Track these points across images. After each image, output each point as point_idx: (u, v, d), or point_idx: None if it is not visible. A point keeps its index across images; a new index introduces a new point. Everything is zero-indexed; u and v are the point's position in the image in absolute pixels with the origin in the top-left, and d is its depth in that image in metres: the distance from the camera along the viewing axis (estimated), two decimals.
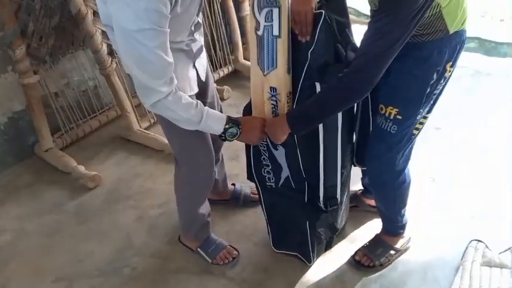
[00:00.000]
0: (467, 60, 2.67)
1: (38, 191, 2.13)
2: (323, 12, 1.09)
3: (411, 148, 1.36)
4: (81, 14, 1.96)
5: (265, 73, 1.20)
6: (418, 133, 1.29)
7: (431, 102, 1.22)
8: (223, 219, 1.84)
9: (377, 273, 1.54)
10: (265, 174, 1.43)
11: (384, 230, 1.58)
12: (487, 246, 1.53)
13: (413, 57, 1.12)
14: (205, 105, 1.22)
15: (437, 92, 1.19)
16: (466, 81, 2.65)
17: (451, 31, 1.07)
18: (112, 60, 2.22)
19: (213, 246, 1.65)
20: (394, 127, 1.23)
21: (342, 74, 1.07)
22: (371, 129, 1.36)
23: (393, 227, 1.56)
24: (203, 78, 1.36)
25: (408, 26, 0.96)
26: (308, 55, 1.13)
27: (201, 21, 1.27)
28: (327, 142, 1.29)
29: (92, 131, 2.47)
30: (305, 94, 1.21)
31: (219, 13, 2.76)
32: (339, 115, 1.25)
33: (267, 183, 1.45)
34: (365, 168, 1.52)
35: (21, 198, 2.09)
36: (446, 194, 1.87)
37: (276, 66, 1.16)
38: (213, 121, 1.21)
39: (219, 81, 2.82)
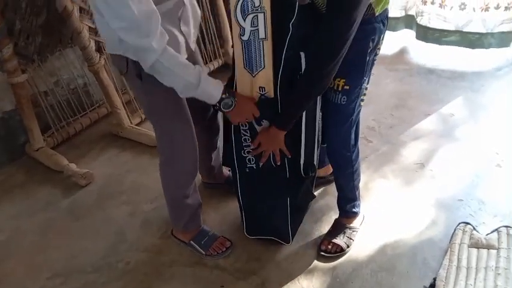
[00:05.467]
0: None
1: (31, 190, 2.13)
2: None
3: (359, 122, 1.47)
4: (67, 11, 1.95)
5: (254, 74, 1.26)
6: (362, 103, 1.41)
7: (370, 71, 1.32)
8: (215, 211, 1.85)
9: (367, 258, 1.57)
10: (246, 155, 1.43)
11: (342, 213, 1.67)
12: (474, 228, 1.55)
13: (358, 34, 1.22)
14: None
15: (374, 60, 1.31)
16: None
17: (377, 13, 1.20)
18: (100, 57, 2.22)
19: (206, 238, 1.67)
20: (344, 98, 1.33)
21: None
22: (324, 109, 1.44)
23: (351, 207, 1.63)
24: (192, 47, 1.36)
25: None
26: (290, 27, 1.17)
27: None
28: (307, 111, 1.35)
29: (83, 128, 2.48)
30: (290, 65, 1.24)
31: (207, 7, 2.75)
32: None
33: (247, 165, 1.45)
34: (325, 145, 1.60)
35: (15, 198, 2.09)
36: (434, 178, 1.90)
37: (264, 67, 1.24)
38: (211, 86, 1.22)
39: (210, 75, 2.82)
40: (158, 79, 1.16)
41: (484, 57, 2.77)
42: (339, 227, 1.64)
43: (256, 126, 1.36)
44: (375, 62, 1.32)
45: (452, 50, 2.85)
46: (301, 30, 1.19)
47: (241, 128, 1.38)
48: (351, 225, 1.64)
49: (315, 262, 1.59)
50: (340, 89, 1.31)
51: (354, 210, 1.64)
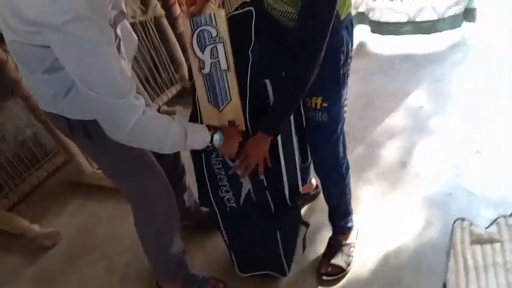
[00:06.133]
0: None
1: None
2: (252, 9, 1.09)
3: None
4: (1, 62, 1.76)
5: (220, 109, 1.16)
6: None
7: (346, 82, 1.26)
8: (202, 251, 1.71)
9: (371, 274, 1.48)
10: (224, 195, 1.32)
11: (336, 230, 1.58)
12: (472, 224, 1.50)
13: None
14: None
15: (348, 72, 1.24)
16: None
17: (342, 17, 1.12)
18: None
19: (196, 284, 1.52)
20: (324, 115, 1.26)
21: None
22: (306, 128, 1.37)
23: (345, 222, 1.56)
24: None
25: None
26: (249, 55, 1.10)
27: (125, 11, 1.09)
28: (283, 138, 1.26)
29: (40, 182, 2.25)
30: (256, 94, 1.14)
31: (154, 34, 2.62)
32: None
33: (227, 205, 1.34)
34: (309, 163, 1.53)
35: None
36: (418, 176, 1.85)
37: (231, 99, 1.14)
38: (196, 130, 1.07)
39: (169, 103, 2.70)
40: (134, 146, 0.98)
41: (440, 39, 2.80)
42: (335, 246, 1.55)
43: (229, 162, 1.24)
44: (349, 72, 1.25)
45: (408, 38, 2.85)
46: (264, 56, 1.12)
47: (215, 167, 1.27)
48: (347, 241, 1.55)
49: None
50: (318, 107, 1.24)
51: (348, 225, 1.56)
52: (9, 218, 1.99)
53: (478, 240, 1.42)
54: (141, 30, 2.51)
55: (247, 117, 1.16)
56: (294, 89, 1.11)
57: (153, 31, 2.60)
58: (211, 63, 1.08)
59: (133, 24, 2.30)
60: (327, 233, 1.66)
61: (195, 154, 1.27)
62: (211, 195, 1.32)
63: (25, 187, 2.18)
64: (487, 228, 1.47)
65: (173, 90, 2.76)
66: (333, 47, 1.11)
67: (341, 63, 1.18)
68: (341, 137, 1.36)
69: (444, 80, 2.49)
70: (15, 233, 1.95)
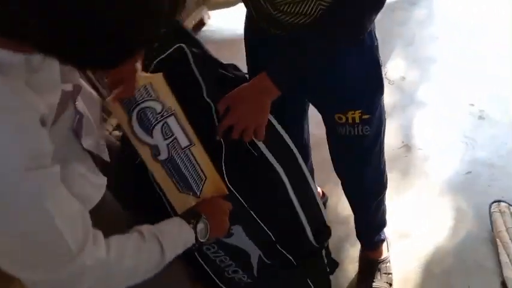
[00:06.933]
0: None
1: None
2: (182, 45, 0.89)
3: None
4: None
5: (199, 194, 0.88)
6: None
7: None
8: None
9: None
10: (233, 275, 1.06)
11: (369, 246, 1.39)
12: (510, 205, 1.35)
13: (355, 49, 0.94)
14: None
15: None
16: None
17: None
18: None
19: None
20: (366, 128, 1.04)
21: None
22: (335, 148, 1.16)
23: (379, 236, 1.37)
24: (102, 148, 0.85)
25: None
26: (207, 100, 0.88)
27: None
28: (292, 178, 1.00)
29: None
30: (234, 149, 0.89)
31: None
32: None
33: (241, 284, 1.09)
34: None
35: None
36: (428, 158, 1.69)
37: (206, 177, 0.88)
38: (173, 234, 0.76)
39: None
40: None
41: None
42: (370, 266, 1.35)
43: (226, 240, 0.97)
44: None
45: None
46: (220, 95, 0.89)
47: (209, 252, 0.99)
48: (382, 257, 1.36)
49: None
50: (357, 121, 1.02)
51: (382, 237, 1.37)
52: None
53: None
54: None
55: (227, 179, 0.89)
56: (343, 27, 0.83)
57: None
58: (167, 145, 0.84)
59: None
60: (351, 249, 1.47)
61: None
62: (218, 282, 1.06)
63: None
64: None
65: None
66: (368, 46, 0.94)
67: (381, 59, 0.98)
68: (383, 140, 1.15)
69: (416, 42, 2.33)
70: None
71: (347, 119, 1.02)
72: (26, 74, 0.54)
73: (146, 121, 0.82)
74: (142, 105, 0.82)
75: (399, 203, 1.55)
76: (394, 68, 2.20)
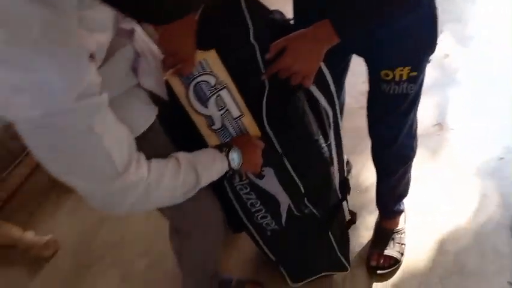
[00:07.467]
0: None
1: None
2: None
3: None
4: None
5: None
6: None
7: None
8: (231, 249, 1.50)
9: (429, 263, 1.32)
10: (262, 221, 1.11)
11: (385, 216, 1.40)
12: None
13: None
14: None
15: None
16: None
17: None
18: None
19: None
20: (411, 86, 1.03)
21: None
22: (374, 107, 1.15)
23: (399, 205, 1.38)
24: (163, 88, 0.90)
25: None
26: (253, 43, 0.88)
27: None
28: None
29: (23, 180, 1.97)
30: (277, 91, 0.90)
31: None
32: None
33: (268, 230, 1.13)
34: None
35: None
36: (460, 140, 1.65)
37: None
38: (208, 163, 0.83)
39: None
40: (137, 210, 0.74)
41: None
42: (384, 234, 1.37)
43: (258, 182, 1.01)
44: None
45: None
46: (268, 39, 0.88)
47: (242, 193, 1.03)
48: (398, 228, 1.37)
49: (371, 284, 1.31)
50: (405, 78, 1.00)
51: (400, 208, 1.37)
52: None
53: None
54: None
55: (265, 119, 0.92)
56: None
57: None
58: (221, 116, 0.90)
59: None
60: (368, 217, 1.48)
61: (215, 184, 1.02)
62: (247, 223, 1.11)
63: (7, 188, 1.90)
64: None
65: None
66: (427, 3, 0.91)
67: (438, 19, 0.95)
68: (418, 104, 1.13)
69: (463, 20, 2.22)
70: (8, 245, 1.70)
71: (394, 76, 1.01)
72: (79, 10, 0.57)
73: (202, 94, 0.87)
74: (198, 79, 0.86)
75: (423, 179, 1.54)
76: (439, 45, 2.11)
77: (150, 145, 0.77)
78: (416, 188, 1.51)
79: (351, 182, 1.58)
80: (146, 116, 0.83)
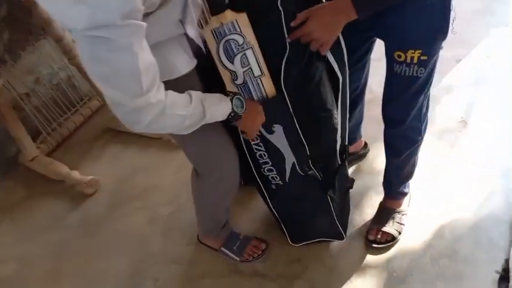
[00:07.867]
0: None
1: (34, 206, 1.93)
2: None
3: None
4: (30, 1, 1.64)
5: None
6: None
7: None
8: (242, 207, 1.66)
9: (423, 245, 1.39)
10: (268, 173, 1.24)
11: (390, 196, 1.47)
12: None
13: None
14: None
15: None
16: None
17: None
18: None
19: (238, 242, 1.49)
20: (421, 70, 1.09)
21: None
22: (388, 87, 1.22)
23: (403, 187, 1.44)
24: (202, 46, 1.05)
25: None
26: (280, 9, 0.96)
27: None
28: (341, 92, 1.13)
29: (77, 127, 2.24)
30: (299, 54, 1.00)
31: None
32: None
33: (272, 183, 1.26)
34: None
35: (17, 217, 1.90)
36: (481, 138, 1.68)
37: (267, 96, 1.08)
38: (214, 100, 0.97)
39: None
40: (150, 131, 0.88)
41: None
42: (386, 213, 1.45)
43: (267, 135, 1.14)
44: None
45: None
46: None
47: (253, 144, 1.16)
48: (399, 208, 1.45)
49: (365, 256, 1.41)
50: (415, 61, 1.07)
51: (405, 190, 1.45)
52: (48, 163, 1.99)
53: None
54: None
55: (283, 79, 1.02)
56: None
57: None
58: (244, 72, 1.02)
59: None
60: (375, 196, 1.57)
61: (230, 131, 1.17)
62: (254, 172, 1.24)
63: (62, 132, 2.16)
64: None
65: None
66: None
67: (452, 7, 0.99)
68: (429, 90, 1.18)
69: (511, 24, 2.19)
70: (56, 179, 1.96)
71: (405, 57, 1.07)
72: None
73: (230, 50, 0.99)
74: (228, 37, 0.97)
75: (438, 170, 1.60)
76: (484, 47, 2.12)
77: (185, 89, 0.92)
78: (429, 176, 1.58)
79: (367, 165, 1.69)
80: (185, 62, 0.98)
